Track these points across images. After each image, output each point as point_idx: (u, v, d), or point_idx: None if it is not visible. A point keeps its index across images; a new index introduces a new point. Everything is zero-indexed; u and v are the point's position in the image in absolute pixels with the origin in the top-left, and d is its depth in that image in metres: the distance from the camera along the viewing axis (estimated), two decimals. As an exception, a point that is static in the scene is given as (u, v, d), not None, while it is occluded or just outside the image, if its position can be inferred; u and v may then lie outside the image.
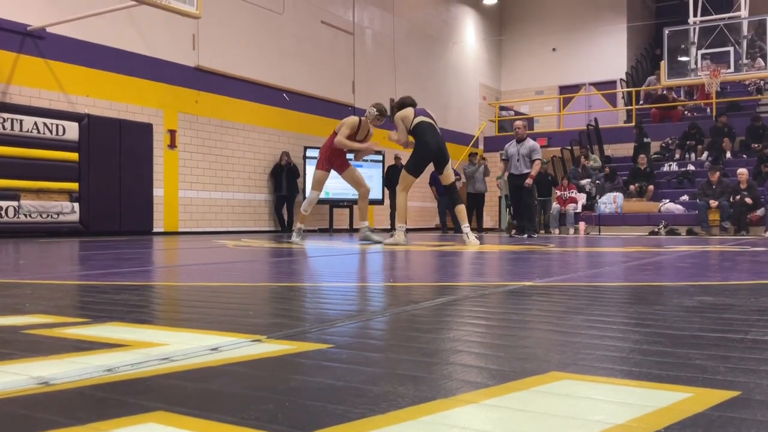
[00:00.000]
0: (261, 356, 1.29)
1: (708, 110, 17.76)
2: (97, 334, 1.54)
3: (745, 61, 14.42)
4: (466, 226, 7.22)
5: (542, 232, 13.86)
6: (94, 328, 1.63)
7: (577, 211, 14.71)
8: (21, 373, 1.13)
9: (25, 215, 9.09)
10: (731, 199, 13.22)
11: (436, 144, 7.11)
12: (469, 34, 20.83)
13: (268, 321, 1.84)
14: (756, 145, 14.87)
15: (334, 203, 14.15)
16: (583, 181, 15.43)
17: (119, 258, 4.71)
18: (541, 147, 14.52)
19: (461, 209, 7.36)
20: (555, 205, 14.65)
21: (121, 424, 0.85)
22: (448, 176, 7.30)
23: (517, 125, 10.47)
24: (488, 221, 18.33)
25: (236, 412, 0.90)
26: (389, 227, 14.84)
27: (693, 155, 16.04)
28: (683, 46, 15.26)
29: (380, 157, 15.01)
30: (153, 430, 0.83)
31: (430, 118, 7.22)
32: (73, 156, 9.73)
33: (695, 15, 14.59)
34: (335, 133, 7.36)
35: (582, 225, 14.33)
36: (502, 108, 21.22)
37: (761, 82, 17.32)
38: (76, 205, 9.72)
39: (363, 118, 7.34)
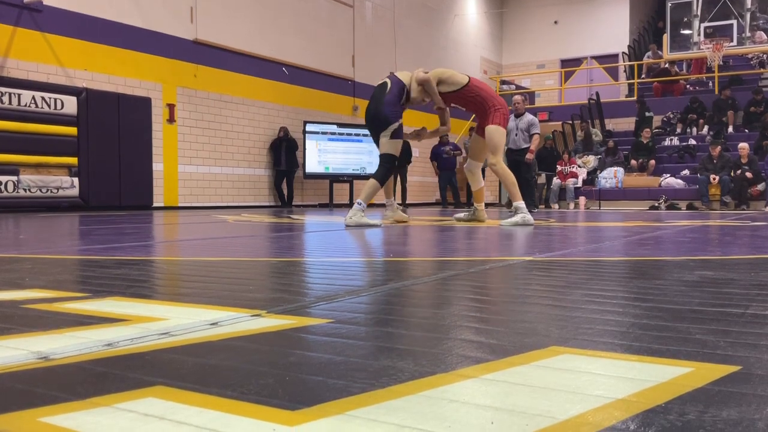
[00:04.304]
0: (261, 331, 1.29)
1: (710, 84, 17.65)
2: (96, 308, 1.54)
3: (747, 34, 14.29)
4: (359, 202, 5.75)
5: (542, 206, 13.86)
6: (94, 303, 1.63)
7: (578, 185, 14.70)
8: (21, 348, 1.13)
9: (25, 190, 9.08)
10: (732, 174, 13.20)
11: (367, 110, 6.07)
12: (471, 6, 20.62)
13: (268, 296, 1.84)
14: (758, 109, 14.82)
15: (334, 178, 14.14)
16: (581, 162, 15.33)
17: (119, 232, 4.71)
18: (542, 121, 14.44)
19: (370, 182, 5.94)
20: (555, 180, 14.64)
21: (120, 398, 0.85)
22: (380, 145, 5.98)
23: (516, 100, 10.43)
24: (488, 196, 18.30)
25: (236, 387, 0.90)
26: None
27: (694, 129, 15.97)
28: (686, 19, 15.12)
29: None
30: (153, 404, 0.83)
31: (388, 78, 6.10)
32: (72, 130, 9.69)
33: (699, -13, 14.44)
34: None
35: (582, 200, 14.32)
36: (503, 82, 21.07)
37: (764, 55, 17.18)
38: (76, 180, 9.71)
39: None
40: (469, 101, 6.13)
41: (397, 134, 5.86)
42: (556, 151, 15.68)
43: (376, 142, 6.06)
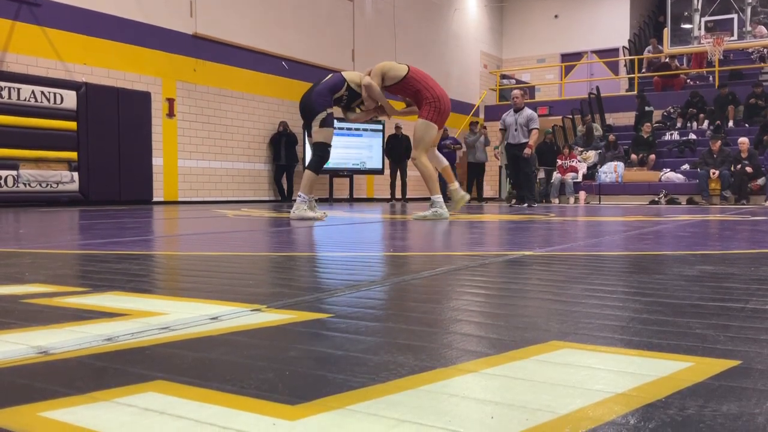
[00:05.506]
0: (261, 325, 1.29)
1: (711, 78, 17.63)
2: (96, 303, 1.54)
3: (748, 28, 14.27)
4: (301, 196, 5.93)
5: (543, 201, 13.86)
6: (94, 297, 1.62)
7: (578, 180, 14.69)
8: (20, 343, 1.13)
9: (24, 184, 9.08)
10: (732, 168, 13.19)
11: (300, 100, 6.08)
12: (471, 0, 20.57)
13: (268, 290, 1.84)
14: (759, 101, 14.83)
15: (334, 173, 14.13)
16: (581, 157, 15.31)
17: (119, 227, 4.71)
18: (542, 116, 14.40)
19: (306, 174, 6.01)
20: (555, 175, 14.63)
21: (120, 393, 0.85)
22: (312, 134, 6.00)
23: (515, 94, 10.41)
24: (488, 191, 18.32)
25: (236, 382, 0.90)
26: (389, 197, 14.84)
27: (695, 124, 15.96)
28: (686, 13, 15.10)
29: (380, 127, 14.93)
30: (153, 399, 0.83)
31: (332, 74, 6.22)
32: (72, 125, 9.68)
33: (700, -19, 14.41)
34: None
35: (582, 194, 14.32)
36: (503, 76, 21.05)
37: (765, 50, 17.15)
38: (75, 175, 9.71)
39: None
40: (408, 92, 6.17)
41: (325, 123, 5.85)
42: (556, 145, 15.67)
43: (308, 131, 6.08)
